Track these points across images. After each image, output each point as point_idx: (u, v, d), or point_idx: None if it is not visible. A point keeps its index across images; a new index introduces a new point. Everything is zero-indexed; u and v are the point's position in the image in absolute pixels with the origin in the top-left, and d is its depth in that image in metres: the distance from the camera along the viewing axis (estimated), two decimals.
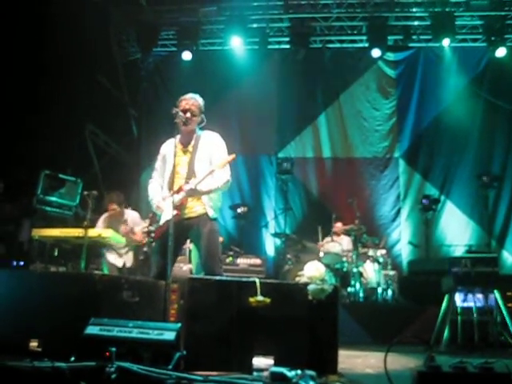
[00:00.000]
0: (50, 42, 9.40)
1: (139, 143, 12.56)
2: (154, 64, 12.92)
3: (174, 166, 4.92)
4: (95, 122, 11.31)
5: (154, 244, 5.34)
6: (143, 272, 8.08)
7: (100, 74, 11.20)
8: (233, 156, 5.02)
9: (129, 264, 7.81)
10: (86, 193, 7.57)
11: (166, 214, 4.72)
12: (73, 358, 3.43)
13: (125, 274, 7.66)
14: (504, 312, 6.92)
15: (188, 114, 5.07)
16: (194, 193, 4.95)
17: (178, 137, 5.05)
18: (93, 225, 7.54)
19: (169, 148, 5.14)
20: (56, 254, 8.39)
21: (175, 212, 4.78)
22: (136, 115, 12.68)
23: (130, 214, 8.04)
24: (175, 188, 4.94)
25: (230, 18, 11.51)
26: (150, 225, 5.20)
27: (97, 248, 7.71)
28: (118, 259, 7.78)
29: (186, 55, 11.80)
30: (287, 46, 12.10)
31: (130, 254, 7.90)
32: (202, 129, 5.31)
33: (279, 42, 12.26)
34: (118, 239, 7.45)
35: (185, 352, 3.57)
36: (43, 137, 9.47)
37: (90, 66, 10.51)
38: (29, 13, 8.96)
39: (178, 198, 4.91)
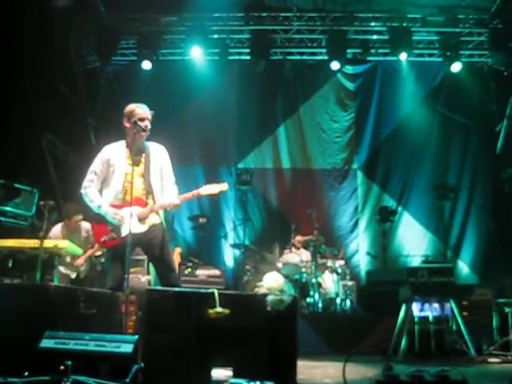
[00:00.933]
0: (7, 49, 9.21)
1: (97, 153, 12.39)
2: (113, 73, 12.78)
3: (125, 176, 4.90)
4: (53, 131, 11.11)
5: (106, 253, 5.24)
6: (101, 284, 7.96)
7: (59, 82, 11.03)
8: (226, 186, 5.07)
9: (82, 275, 7.66)
10: (42, 203, 7.42)
11: (127, 226, 4.61)
12: (26, 373, 3.35)
13: (77, 285, 7.51)
14: (459, 321, 7.06)
15: (146, 122, 5.05)
16: (177, 208, 5.06)
17: (124, 144, 5.02)
18: (46, 235, 7.36)
19: (114, 153, 5.07)
20: (10, 265, 8.18)
21: (146, 227, 4.83)
22: (95, 124, 12.51)
23: (84, 226, 7.94)
24: (129, 198, 4.85)
25: (191, 28, 11.48)
26: (105, 234, 5.02)
27: (52, 259, 7.54)
28: (71, 270, 7.64)
29: (146, 64, 11.69)
30: (247, 58, 12.12)
31: (84, 265, 7.75)
32: (147, 139, 5.28)
33: (239, 53, 12.28)
34: (75, 250, 7.32)
35: (142, 364, 3.52)
36: None
37: (49, 73, 10.33)
38: None
39: (145, 210, 4.91)
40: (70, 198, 7.91)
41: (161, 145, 5.30)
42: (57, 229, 7.79)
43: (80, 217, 7.74)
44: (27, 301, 4.02)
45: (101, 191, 5.13)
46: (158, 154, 5.20)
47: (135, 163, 5.07)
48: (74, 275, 7.66)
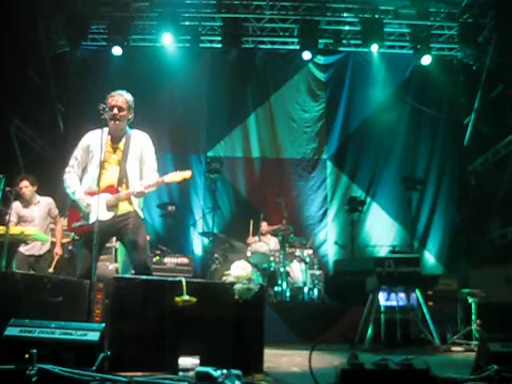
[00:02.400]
0: None
1: (66, 139, 12.23)
2: (82, 58, 12.61)
3: (102, 163, 4.80)
4: (21, 117, 10.93)
5: (78, 240, 5.17)
6: (68, 271, 7.88)
7: (27, 66, 10.84)
8: (190, 173, 4.98)
9: (37, 252, 7.47)
10: (8, 189, 7.29)
11: (96, 213, 4.55)
12: None
13: (32, 262, 7.38)
14: (425, 310, 7.18)
15: (115, 110, 4.96)
16: (143, 195, 4.93)
17: (106, 130, 4.95)
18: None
19: (95, 140, 4.99)
20: None
21: (111, 214, 4.77)
22: (63, 110, 12.36)
23: (44, 199, 7.69)
24: (103, 185, 4.80)
25: (162, 14, 11.37)
26: (74, 220, 4.97)
27: (18, 246, 7.43)
28: (26, 246, 7.46)
29: (117, 50, 11.56)
30: (219, 46, 12.09)
31: (39, 243, 7.53)
32: (130, 127, 5.23)
33: (211, 41, 12.24)
34: (41, 237, 7.22)
35: (109, 353, 3.50)
36: None
37: (17, 58, 10.15)
38: None
39: (112, 198, 4.85)
40: (36, 184, 7.75)
41: (144, 132, 5.24)
42: (15, 204, 7.50)
43: (25, 183, 7.46)
44: None
45: (81, 178, 5.08)
46: (139, 141, 5.13)
47: (113, 150, 5.04)
48: (28, 252, 7.42)
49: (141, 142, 5.14)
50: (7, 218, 6.90)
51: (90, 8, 11.55)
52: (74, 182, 5.03)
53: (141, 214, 5.09)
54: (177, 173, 4.96)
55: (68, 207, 5.30)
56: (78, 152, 5.12)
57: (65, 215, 7.77)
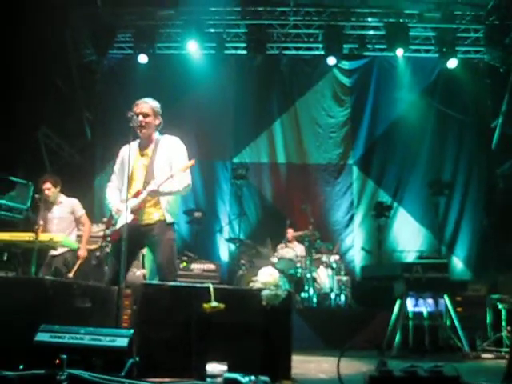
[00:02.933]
0: (4, 43, 9.18)
1: (93, 147, 12.39)
2: (109, 67, 12.76)
3: (132, 171, 4.86)
4: (49, 125, 11.09)
5: (110, 247, 5.25)
6: (96, 277, 7.93)
7: (55, 75, 11.01)
8: (193, 161, 4.98)
9: (57, 252, 7.47)
10: (37, 196, 7.38)
11: (123, 218, 4.63)
12: (21, 367, 3.35)
13: (59, 263, 7.40)
14: (453, 316, 7.09)
15: (140, 117, 5.00)
16: (156, 194, 4.91)
17: (137, 141, 5.03)
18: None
19: (126, 151, 5.03)
20: (5, 258, 8.18)
21: (132, 216, 4.75)
22: (90, 118, 12.51)
23: (68, 200, 7.65)
24: (132, 192, 4.87)
25: (187, 22, 11.47)
26: (107, 228, 5.06)
27: (47, 252, 7.50)
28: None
29: (143, 58, 11.70)
30: (244, 52, 12.12)
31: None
32: (161, 133, 5.26)
33: (236, 48, 12.28)
34: (70, 244, 7.29)
35: (137, 358, 3.53)
36: None
37: (45, 67, 10.31)
38: None
39: (135, 201, 4.87)
40: (65, 192, 7.84)
41: (175, 137, 5.25)
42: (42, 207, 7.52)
43: (48, 185, 7.46)
44: (23, 294, 4.01)
45: (121, 190, 5.16)
46: (168, 145, 5.15)
47: (141, 157, 5.11)
48: (55, 252, 7.43)
49: (169, 146, 5.15)
50: (36, 226, 6.95)
51: (116, 17, 11.70)
52: (110, 194, 5.20)
53: (169, 218, 5.03)
54: (180, 165, 4.98)
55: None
56: (115, 166, 5.31)
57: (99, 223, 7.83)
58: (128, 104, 5.23)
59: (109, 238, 5.13)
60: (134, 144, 4.97)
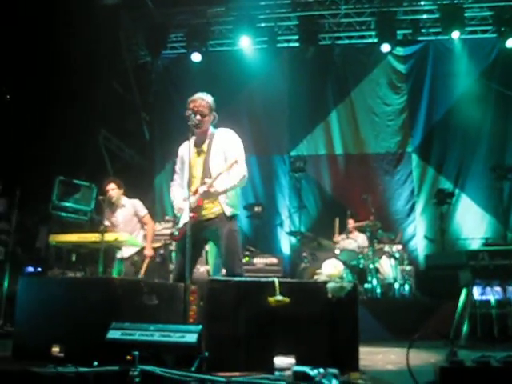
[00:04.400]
0: (60, 48, 9.44)
1: (152, 146, 12.63)
2: (163, 66, 12.98)
3: (190, 168, 4.88)
4: (108, 127, 11.37)
5: (175, 245, 5.34)
6: (161, 274, 8.09)
7: (112, 78, 11.26)
8: (237, 159, 4.95)
9: (126, 255, 7.63)
10: (100, 197, 7.56)
11: (184, 216, 4.70)
12: (96, 363, 3.46)
13: (126, 266, 7.52)
14: None
15: (198, 117, 4.99)
16: (209, 195, 4.91)
17: (193, 138, 5.06)
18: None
19: (185, 150, 5.09)
20: (73, 259, 8.44)
21: (191, 214, 4.79)
22: (148, 118, 12.74)
23: (130, 201, 7.73)
24: (192, 189, 4.91)
25: (238, 17, 11.54)
26: (173, 227, 5.20)
27: (113, 252, 7.69)
28: (118, 251, 7.63)
29: (196, 57, 11.84)
30: (296, 44, 12.12)
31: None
32: (215, 126, 5.27)
33: (288, 41, 12.27)
34: (134, 242, 7.43)
35: (206, 354, 3.58)
36: (57, 143, 9.52)
37: (102, 70, 10.57)
38: (41, 20, 9.01)
39: (193, 199, 4.92)
40: (127, 192, 8.00)
41: (228, 129, 5.23)
42: (106, 210, 7.65)
43: (112, 186, 7.59)
44: (94, 294, 4.13)
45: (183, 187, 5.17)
46: (222, 138, 5.13)
47: (197, 154, 5.12)
48: (119, 255, 7.57)
49: (223, 138, 5.14)
50: (102, 226, 7.12)
51: (167, 17, 11.87)
52: (174, 193, 5.27)
53: (229, 211, 5.01)
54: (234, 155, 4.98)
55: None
56: (177, 166, 5.37)
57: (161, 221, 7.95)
58: (183, 103, 5.27)
59: (176, 233, 5.09)
60: (191, 141, 5.00)
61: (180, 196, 5.16)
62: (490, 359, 2.98)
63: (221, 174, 4.88)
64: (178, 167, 5.34)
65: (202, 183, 4.96)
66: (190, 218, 4.65)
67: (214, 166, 5.02)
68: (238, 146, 5.12)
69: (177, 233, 5.03)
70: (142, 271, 7.48)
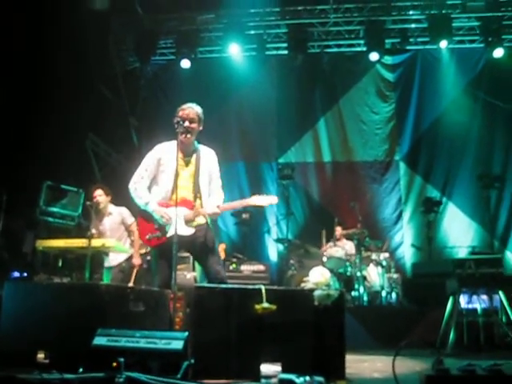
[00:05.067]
0: (49, 52, 9.41)
1: (140, 152, 12.55)
2: (153, 73, 12.96)
3: (176, 177, 4.82)
4: (95, 132, 11.33)
5: (154, 252, 5.23)
6: (147, 281, 8.04)
7: (100, 83, 11.23)
8: (276, 199, 5.09)
9: (114, 262, 7.62)
10: (88, 203, 7.53)
11: (174, 226, 4.61)
12: (81, 370, 3.43)
13: (113, 274, 7.50)
14: (509, 312, 6.90)
15: (187, 123, 5.00)
16: (217, 215, 5.05)
17: (175, 144, 4.98)
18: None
19: (166, 152, 5.07)
20: (60, 264, 8.37)
21: (193, 230, 4.91)
22: (136, 124, 12.70)
23: (117, 209, 7.71)
24: (175, 198, 4.78)
25: (228, 25, 11.58)
26: (149, 232, 5.03)
27: (100, 258, 7.65)
28: (106, 259, 7.60)
29: (185, 63, 11.84)
30: (285, 52, 12.14)
31: (113, 254, 7.63)
32: (198, 142, 5.28)
33: (277, 48, 12.30)
34: (121, 248, 7.41)
35: (193, 361, 3.57)
36: (44, 147, 9.47)
37: (90, 75, 10.54)
38: (28, 22, 8.97)
39: (191, 213, 4.94)
40: (114, 198, 7.96)
41: (210, 149, 5.30)
42: (94, 218, 7.64)
43: (99, 192, 7.59)
44: (80, 300, 4.11)
45: (149, 189, 5.14)
46: (208, 157, 5.20)
47: (185, 164, 5.09)
48: (107, 263, 7.55)
49: (209, 158, 5.21)
50: (89, 232, 7.09)
51: (157, 24, 11.89)
52: (145, 193, 5.09)
53: (208, 221, 5.11)
54: (263, 197, 5.00)
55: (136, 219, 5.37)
56: (147, 163, 5.16)
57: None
58: (172, 109, 5.27)
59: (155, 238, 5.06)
60: (173, 146, 4.97)
61: (151, 196, 5.07)
62: (476, 368, 2.99)
63: (238, 204, 5.14)
64: (149, 166, 5.14)
65: (197, 197, 5.02)
66: (192, 234, 4.81)
67: (201, 183, 5.08)
68: (218, 169, 5.26)
69: (158, 235, 4.99)
70: (132, 280, 7.46)
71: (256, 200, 4.95)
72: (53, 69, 9.66)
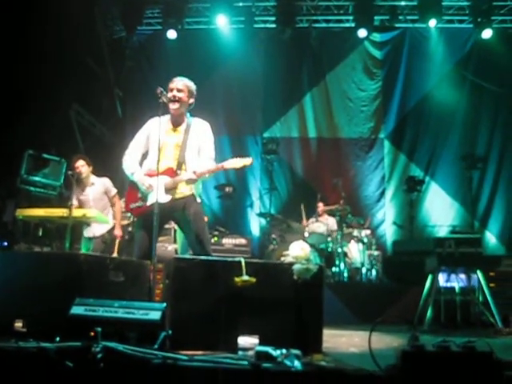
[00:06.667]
0: (33, 21, 9.24)
1: (124, 124, 12.46)
2: (138, 43, 12.79)
3: (161, 147, 4.80)
4: (80, 102, 11.19)
5: (136, 221, 5.26)
6: (128, 252, 8.04)
7: (85, 53, 11.07)
8: (250, 160, 4.98)
9: (97, 233, 7.63)
10: (70, 172, 7.46)
11: (155, 195, 4.63)
12: (58, 339, 3.43)
13: (96, 244, 7.50)
14: (486, 292, 6.98)
15: (174, 92, 5.01)
16: (194, 182, 4.94)
17: (168, 116, 5.04)
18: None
19: (155, 125, 5.01)
20: (40, 233, 8.33)
21: (169, 197, 4.87)
22: (121, 95, 12.56)
23: (99, 180, 7.69)
24: (162, 167, 4.85)
25: None
26: (132, 201, 5.04)
27: (80, 227, 7.61)
28: (88, 229, 7.60)
29: (171, 34, 11.70)
30: (273, 26, 12.05)
31: (96, 225, 7.63)
32: (192, 115, 5.25)
33: (265, 21, 12.19)
34: (102, 219, 7.38)
35: (170, 332, 3.58)
36: (27, 117, 9.34)
37: (75, 45, 10.37)
38: None
39: (169, 181, 4.91)
40: (96, 168, 7.90)
41: (205, 121, 5.25)
42: (75, 188, 7.58)
43: (81, 162, 7.52)
44: (58, 269, 4.08)
45: (141, 162, 5.16)
46: (199, 129, 5.16)
47: (173, 134, 5.09)
48: (90, 234, 7.53)
49: (201, 130, 5.16)
50: (69, 202, 7.06)
51: None
52: (131, 163, 5.12)
53: (198, 199, 5.10)
54: (237, 159, 4.95)
55: (126, 189, 5.36)
56: (138, 136, 5.21)
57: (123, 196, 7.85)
58: (158, 80, 5.26)
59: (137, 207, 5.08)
60: (164, 119, 4.96)
61: (137, 166, 5.11)
62: (450, 344, 3.02)
63: (212, 171, 4.95)
64: (140, 139, 5.20)
65: (179, 167, 4.97)
66: (170, 201, 4.76)
67: (189, 155, 5.04)
68: (212, 141, 5.18)
69: (135, 205, 5.01)
70: (115, 251, 7.45)
71: (232, 163, 4.92)
72: (37, 38, 9.48)
